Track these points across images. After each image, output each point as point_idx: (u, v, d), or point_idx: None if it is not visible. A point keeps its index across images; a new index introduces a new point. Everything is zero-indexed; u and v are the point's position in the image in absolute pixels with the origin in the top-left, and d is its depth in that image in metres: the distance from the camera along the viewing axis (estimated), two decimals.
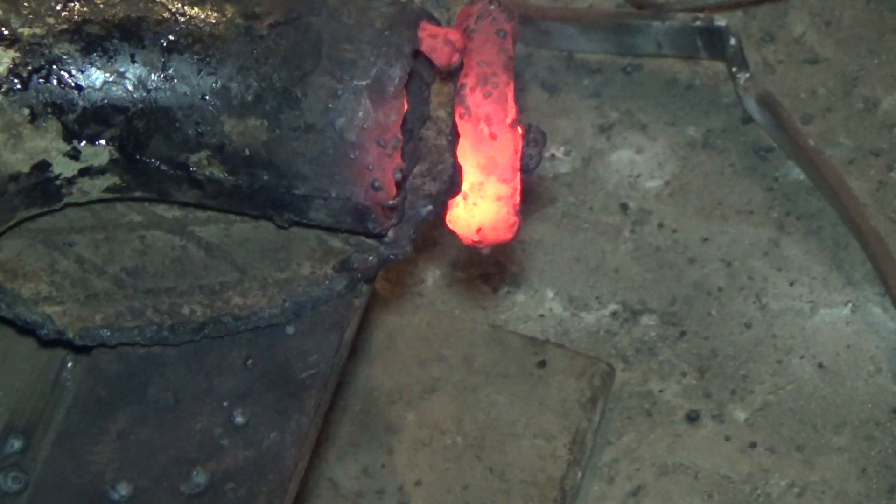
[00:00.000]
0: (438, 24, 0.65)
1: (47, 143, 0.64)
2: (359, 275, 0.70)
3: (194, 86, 0.63)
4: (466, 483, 1.05)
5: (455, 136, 0.64)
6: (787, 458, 1.11)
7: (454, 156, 0.65)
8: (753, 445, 1.11)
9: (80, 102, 0.63)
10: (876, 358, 1.14)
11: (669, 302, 1.18)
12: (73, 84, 0.63)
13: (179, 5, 0.64)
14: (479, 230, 0.65)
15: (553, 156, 1.23)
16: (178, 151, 0.64)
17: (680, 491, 1.10)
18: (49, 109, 0.63)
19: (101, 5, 0.63)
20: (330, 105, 0.62)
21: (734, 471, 1.11)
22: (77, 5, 0.63)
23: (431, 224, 0.67)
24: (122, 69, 0.63)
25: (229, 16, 0.64)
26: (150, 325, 0.68)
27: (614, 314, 1.18)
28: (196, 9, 0.64)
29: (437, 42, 0.64)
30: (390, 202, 0.63)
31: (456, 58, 0.64)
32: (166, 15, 0.63)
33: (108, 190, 0.67)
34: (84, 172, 0.65)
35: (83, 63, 0.62)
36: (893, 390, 1.12)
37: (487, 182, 0.64)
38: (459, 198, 0.65)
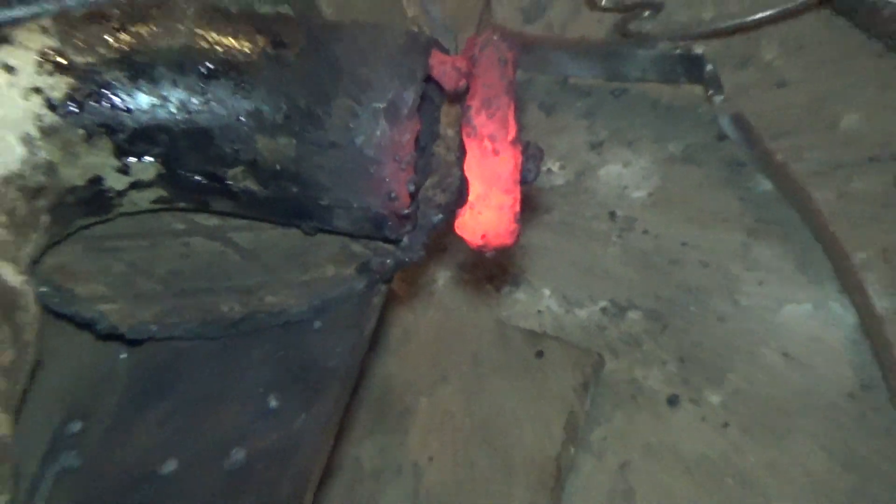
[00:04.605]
0: (447, 52, 0.65)
1: (101, 160, 0.64)
2: (377, 276, 0.70)
3: (230, 108, 0.63)
4: (473, 461, 1.05)
5: (462, 152, 0.64)
6: (758, 437, 1.12)
7: (462, 170, 0.65)
8: (727, 426, 1.11)
9: (130, 123, 0.63)
10: (836, 349, 1.14)
11: (653, 299, 1.18)
12: (122, 107, 0.63)
13: (216, 36, 0.64)
14: (483, 236, 0.66)
15: (549, 170, 1.24)
16: (216, 166, 0.64)
17: (662, 466, 1.10)
18: (102, 129, 0.63)
19: (147, 37, 0.63)
20: (351, 125, 0.62)
21: (710, 448, 1.11)
22: (125, 36, 0.63)
23: (442, 231, 0.67)
24: (166, 93, 0.63)
25: (261, 45, 0.63)
26: (193, 321, 0.69)
27: (604, 310, 1.18)
28: (231, 39, 0.64)
29: (445, 68, 0.64)
30: (405, 211, 0.63)
31: (462, 83, 0.64)
32: (205, 45, 0.63)
33: (154, 201, 0.67)
34: (133, 186, 0.65)
35: (131, 88, 0.62)
36: (852, 377, 1.12)
37: (491, 193, 0.64)
38: (466, 207, 0.65)
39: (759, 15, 1.27)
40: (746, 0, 1.32)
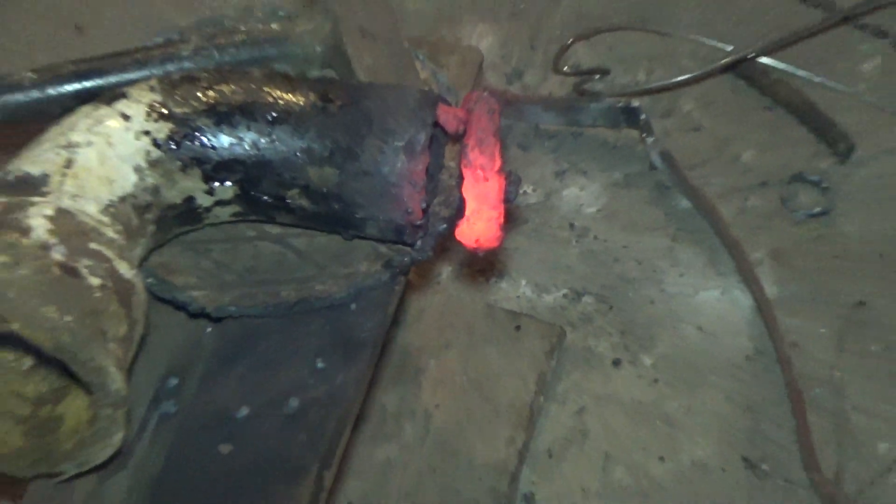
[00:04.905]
0: (449, 104, 0.65)
1: (193, 184, 0.64)
2: (398, 270, 0.70)
3: (289, 146, 0.62)
4: (469, 407, 1.05)
5: (461, 178, 0.64)
6: (679, 389, 1.11)
7: (460, 192, 0.65)
8: (656, 381, 1.11)
9: (214, 157, 0.63)
10: (737, 324, 1.14)
11: (601, 287, 1.18)
12: (209, 145, 0.63)
13: (279, 93, 0.64)
14: (476, 240, 0.66)
15: (525, 192, 1.24)
16: (279, 189, 0.64)
17: (608, 411, 1.10)
18: (193, 162, 0.63)
19: (227, 93, 0.63)
20: (379, 158, 0.61)
21: (644, 397, 1.11)
22: (211, 93, 0.63)
23: (445, 237, 0.67)
24: (241, 135, 0.63)
25: (312, 100, 0.63)
26: (261, 304, 0.68)
27: (565, 296, 1.18)
28: (289, 95, 0.64)
29: (448, 117, 0.64)
30: (418, 222, 0.63)
31: (461, 127, 0.64)
32: (270, 99, 0.63)
33: (233, 215, 0.67)
34: (217, 203, 0.65)
35: (216, 131, 0.62)
36: (748, 345, 1.12)
37: (482, 209, 0.64)
38: (464, 219, 0.65)
39: (679, 79, 1.27)
40: (670, 68, 1.32)
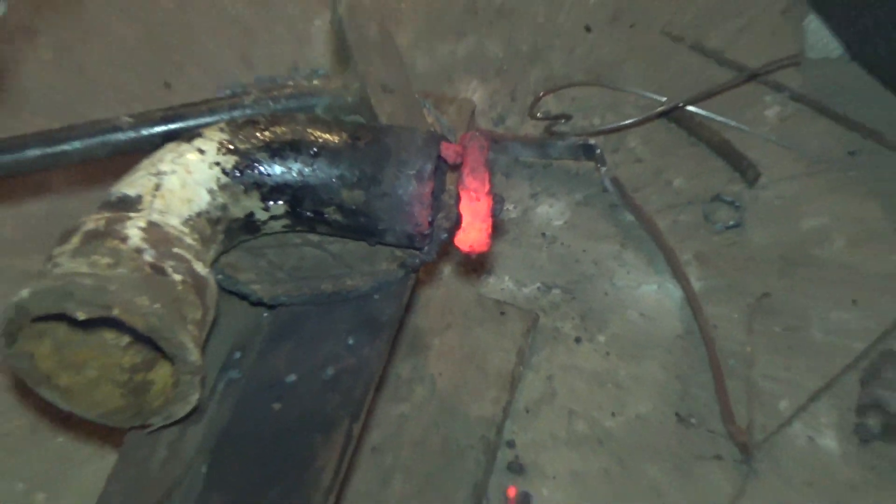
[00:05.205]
0: (450, 142, 0.65)
1: (252, 203, 0.64)
2: (410, 269, 0.69)
3: (327, 174, 0.62)
4: (465, 374, 1.04)
5: (458, 198, 0.64)
6: (627, 361, 1.11)
7: (458, 209, 0.64)
8: (608, 354, 1.11)
9: (269, 182, 0.62)
10: (670, 311, 1.13)
11: (566, 282, 1.18)
12: (265, 173, 0.62)
13: (319, 133, 0.63)
14: (470, 246, 0.65)
15: (507, 209, 1.24)
16: (318, 207, 0.64)
17: (571, 377, 1.10)
18: (253, 186, 0.62)
19: (279, 133, 0.63)
20: (395, 183, 0.61)
21: (599, 367, 1.11)
22: (267, 133, 0.63)
23: (446, 243, 0.66)
24: (290, 165, 0.62)
25: (344, 138, 0.63)
26: (305, 295, 0.68)
27: (538, 289, 1.18)
28: (327, 134, 0.64)
29: (449, 151, 0.64)
30: (426, 232, 0.63)
31: (459, 159, 0.64)
32: (312, 138, 0.63)
33: (283, 227, 0.66)
34: (271, 218, 0.65)
35: (270, 162, 0.62)
36: (679, 327, 1.11)
37: (474, 222, 0.64)
38: (460, 230, 0.65)
39: (625, 122, 1.27)
40: (618, 114, 1.32)
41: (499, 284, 1.18)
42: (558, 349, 1.12)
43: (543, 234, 1.21)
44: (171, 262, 0.56)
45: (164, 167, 0.61)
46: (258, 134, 0.63)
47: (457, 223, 0.65)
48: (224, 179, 0.61)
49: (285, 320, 0.69)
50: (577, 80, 1.34)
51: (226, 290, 0.68)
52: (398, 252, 0.69)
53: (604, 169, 1.20)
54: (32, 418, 1.06)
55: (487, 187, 0.63)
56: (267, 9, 1.41)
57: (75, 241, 0.55)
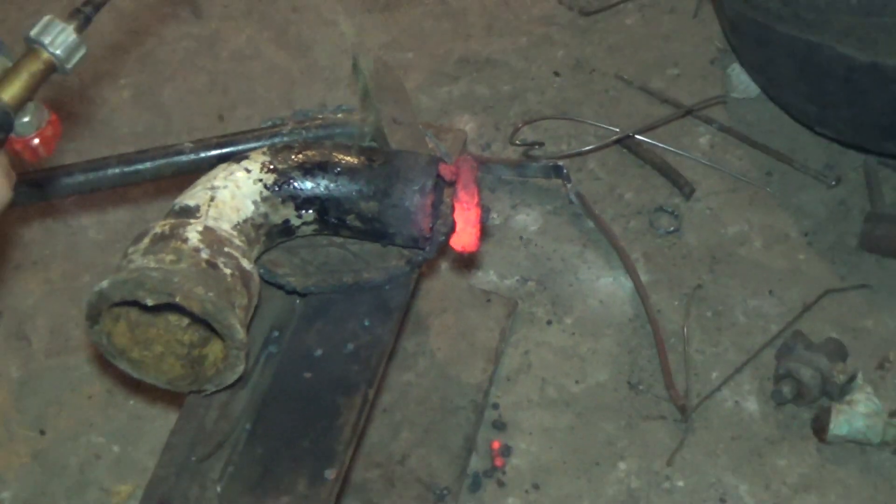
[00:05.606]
0: (447, 163, 0.65)
1: (289, 212, 0.64)
2: (415, 265, 0.69)
3: (348, 188, 0.62)
4: (458, 348, 1.03)
5: (453, 209, 0.64)
6: (587, 338, 1.13)
7: (453, 217, 0.64)
8: (574, 333, 1.11)
9: (302, 195, 0.63)
10: (623, 298, 1.13)
11: (539, 276, 1.18)
12: (299, 188, 0.62)
13: (342, 156, 0.64)
14: (462, 247, 0.65)
15: (492, 217, 1.23)
16: (342, 214, 0.64)
17: (544, 351, 1.10)
18: (289, 198, 0.63)
19: (311, 155, 0.64)
20: (403, 197, 0.62)
21: (565, 344, 1.10)
22: (301, 156, 0.63)
23: (444, 244, 0.66)
24: (319, 181, 0.62)
25: (362, 160, 0.63)
26: (331, 286, 0.68)
27: (517, 281, 1.17)
28: (349, 157, 0.64)
29: (446, 171, 0.64)
30: (427, 236, 0.63)
31: (454, 178, 0.64)
32: (336, 160, 0.63)
33: (313, 231, 0.66)
34: (303, 224, 0.65)
35: (303, 179, 0.62)
36: (630, 311, 1.11)
37: (466, 227, 0.64)
38: (454, 234, 0.65)
39: (586, 149, 1.27)
40: (581, 142, 1.31)
41: (485, 277, 1.17)
42: (533, 329, 1.11)
43: (521, 238, 1.21)
44: (223, 259, 0.56)
45: (217, 183, 0.61)
46: (293, 156, 0.63)
47: (452, 228, 0.65)
48: (266, 193, 0.62)
49: (314, 306, 0.69)
50: (548, 115, 1.34)
51: (266, 282, 0.68)
52: (405, 252, 0.69)
53: (569, 185, 1.20)
54: (110, 384, 1.07)
55: (476, 200, 0.63)
56: (305, 61, 1.43)
57: (146, 241, 0.57)
